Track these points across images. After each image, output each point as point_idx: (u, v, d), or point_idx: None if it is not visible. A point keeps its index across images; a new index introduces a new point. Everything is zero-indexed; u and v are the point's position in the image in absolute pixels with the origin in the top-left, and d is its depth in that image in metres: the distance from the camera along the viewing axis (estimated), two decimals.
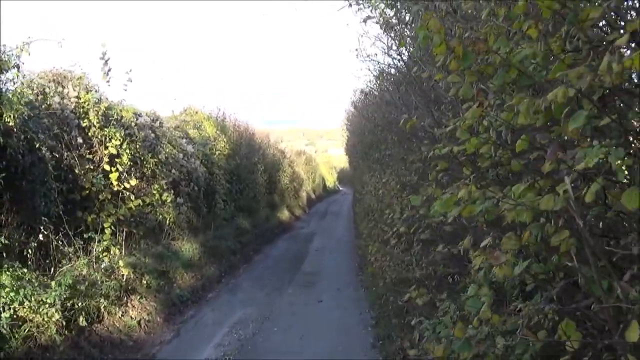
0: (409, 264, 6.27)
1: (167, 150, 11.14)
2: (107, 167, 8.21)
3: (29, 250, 6.45)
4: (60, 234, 7.07)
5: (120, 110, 8.79)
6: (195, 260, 11.15)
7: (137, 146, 9.49)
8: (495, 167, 3.26)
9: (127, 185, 8.49)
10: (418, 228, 5.20)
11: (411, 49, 5.48)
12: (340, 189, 54.16)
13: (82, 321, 6.31)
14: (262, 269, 12.48)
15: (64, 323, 5.96)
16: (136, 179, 9.52)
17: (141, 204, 9.02)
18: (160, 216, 10.65)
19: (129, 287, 7.92)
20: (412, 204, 4.29)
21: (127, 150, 8.58)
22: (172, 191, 11.08)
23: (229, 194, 15.57)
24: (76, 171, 7.75)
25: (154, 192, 9.86)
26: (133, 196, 8.70)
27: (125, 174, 8.72)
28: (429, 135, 5.42)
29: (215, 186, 14.25)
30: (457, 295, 4.76)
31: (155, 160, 10.13)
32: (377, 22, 5.87)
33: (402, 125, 3.15)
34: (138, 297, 8.00)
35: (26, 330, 5.47)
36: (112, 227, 8.04)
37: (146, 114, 10.96)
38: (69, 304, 6.27)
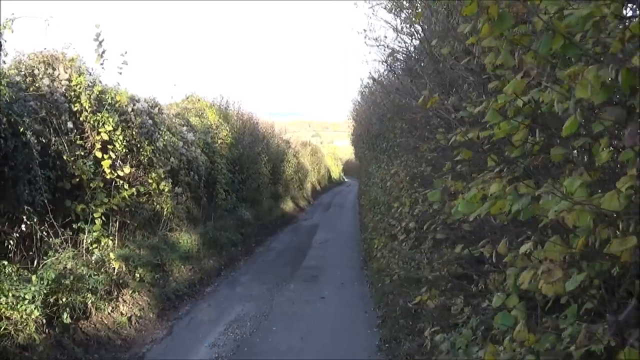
0: (419, 262, 5.79)
1: (166, 137, 10.67)
2: (98, 154, 7.75)
3: (11, 242, 6.02)
4: (46, 225, 6.63)
5: (115, 95, 8.31)
6: (193, 253, 10.72)
7: (134, 132, 9.02)
8: (528, 156, 2.77)
9: (121, 174, 8.03)
10: (432, 224, 4.71)
11: (426, 26, 4.97)
12: (346, 180, 53.72)
13: (66, 318, 5.88)
14: (264, 262, 12.04)
15: (45, 321, 5.53)
16: (132, 167, 9.09)
17: (135, 193, 8.55)
18: (158, 206, 10.25)
19: (121, 281, 7.50)
20: (430, 200, 3.81)
21: (121, 137, 8.11)
22: (171, 180, 10.64)
23: (231, 184, 15.12)
24: (65, 158, 7.29)
25: (151, 181, 9.41)
26: (127, 185, 8.24)
27: (119, 161, 8.27)
28: (444, 123, 4.92)
29: (217, 176, 13.81)
30: (473, 299, 4.29)
31: (153, 147, 9.66)
32: (384, 8, 5.40)
33: (420, 102, 2.65)
34: (130, 292, 7.57)
35: (2, 329, 5.04)
36: (103, 218, 7.58)
37: (145, 100, 10.49)
38: (52, 300, 5.84)
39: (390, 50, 6.27)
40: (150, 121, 9.91)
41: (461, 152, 3.01)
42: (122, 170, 8.04)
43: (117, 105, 8.36)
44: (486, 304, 3.45)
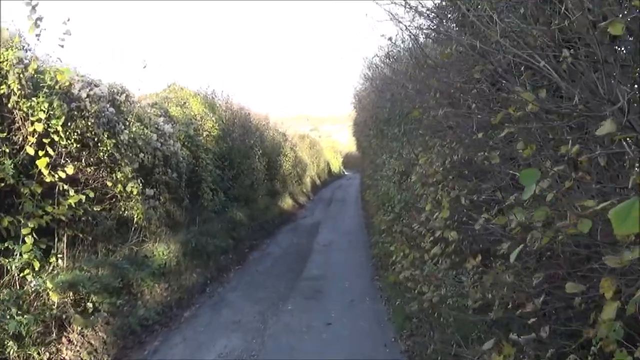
0: (470, 288, 4.01)
1: (134, 129, 8.89)
2: (30, 151, 5.96)
3: None
4: None
5: (54, 74, 6.51)
6: (171, 266, 8.95)
7: (89, 123, 7.24)
8: None
9: (63, 175, 6.24)
10: (498, 241, 2.95)
11: None
12: (346, 173, 52.02)
13: None
14: (258, 273, 10.27)
15: None
16: (89, 165, 7.35)
17: (87, 198, 6.76)
18: (127, 212, 8.50)
19: (64, 316, 5.73)
20: (537, 219, 2.07)
21: (59, 127, 6.31)
22: (142, 180, 8.87)
23: (220, 182, 13.33)
24: None
25: (111, 183, 7.63)
26: (72, 190, 6.44)
27: (63, 159, 6.49)
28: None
29: (202, 173, 12.03)
30: None
31: (115, 141, 7.87)
32: None
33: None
34: (79, 329, 5.81)
35: None
36: (35, 235, 5.79)
37: (109, 85, 8.71)
38: None
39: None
40: (111, 110, 8.11)
41: None
42: (64, 171, 6.24)
43: (57, 87, 6.55)
44: None
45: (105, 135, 7.62)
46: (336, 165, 51.61)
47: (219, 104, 15.33)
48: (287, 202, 21.70)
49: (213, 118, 13.45)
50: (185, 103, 13.38)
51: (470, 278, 4.33)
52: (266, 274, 10.10)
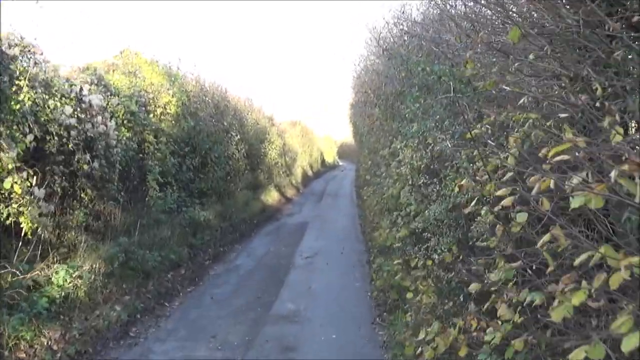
0: None
1: (26, 97, 6.02)
2: None
3: None
4: None
5: None
6: (77, 299, 6.12)
7: None
8: None
9: None
10: None
11: None
12: (340, 163, 49.19)
13: None
14: (212, 303, 7.41)
15: None
16: None
17: None
18: (9, 221, 5.70)
19: None
20: None
21: None
22: (38, 172, 6.05)
23: (177, 173, 10.45)
24: None
25: None
26: None
27: None
28: None
29: (148, 162, 9.14)
30: None
31: None
32: None
33: None
34: None
35: None
36: None
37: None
38: None
39: None
40: None
41: None
42: None
43: None
44: None
45: None
46: (330, 156, 48.79)
47: (185, 76, 12.40)
48: (271, 196, 18.85)
49: (170, 92, 10.50)
50: (136, 72, 10.48)
51: None
52: (222, 306, 7.25)
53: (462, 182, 3.16)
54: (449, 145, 4.76)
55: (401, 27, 7.02)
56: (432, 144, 4.79)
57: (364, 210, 14.64)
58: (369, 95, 10.25)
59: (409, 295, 4.89)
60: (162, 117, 10.11)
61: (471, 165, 3.39)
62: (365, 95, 11.02)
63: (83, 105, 7.55)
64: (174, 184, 9.96)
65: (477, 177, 3.12)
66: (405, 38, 6.69)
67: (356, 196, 20.81)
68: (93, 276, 6.65)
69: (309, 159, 34.78)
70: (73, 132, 6.94)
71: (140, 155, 8.93)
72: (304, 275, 8.86)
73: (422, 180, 5.16)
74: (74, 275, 6.24)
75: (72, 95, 7.34)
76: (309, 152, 34.81)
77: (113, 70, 10.19)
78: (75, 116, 7.07)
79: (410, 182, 5.62)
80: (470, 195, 3.39)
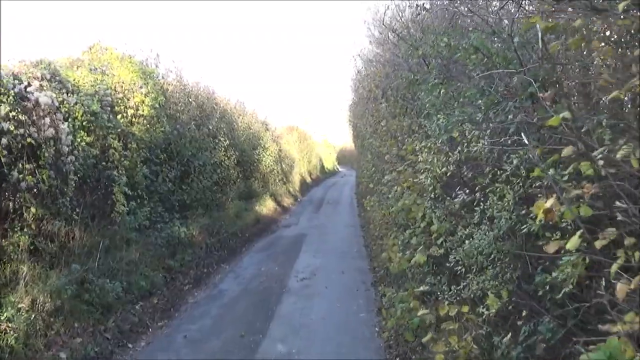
0: None
1: None
2: None
3: None
4: None
5: None
6: (8, 347, 4.76)
7: None
8: None
9: None
10: None
11: None
12: (340, 169, 47.86)
13: None
14: (181, 346, 6.03)
15: None
16: None
17: None
18: None
19: None
20: None
21: None
22: None
23: (152, 184, 9.09)
24: None
25: None
26: None
27: None
28: None
29: (112, 172, 7.77)
30: None
31: None
32: None
33: None
34: None
35: None
36: None
37: None
38: None
39: None
40: None
41: None
42: None
43: None
44: None
45: None
46: (330, 162, 47.46)
47: (164, 75, 11.08)
48: (267, 206, 17.49)
49: (143, 91, 9.15)
50: (105, 69, 9.14)
51: None
52: (196, 349, 5.88)
53: (548, 205, 1.81)
54: (486, 144, 3.43)
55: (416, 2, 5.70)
56: (466, 143, 3.48)
57: (367, 222, 13.30)
58: (372, 91, 8.89)
59: (437, 348, 3.54)
60: (133, 119, 8.77)
61: (556, 176, 2.05)
62: (368, 92, 9.65)
63: (27, 105, 6.23)
64: (146, 197, 8.58)
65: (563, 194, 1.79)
66: (422, 12, 5.36)
67: (357, 204, 19.46)
68: (34, 315, 5.32)
69: (308, 165, 33.44)
70: (4, 140, 5.60)
71: (104, 163, 7.58)
72: (299, 303, 7.47)
73: (446, 194, 3.83)
74: (1, 318, 4.89)
75: (13, 92, 6.03)
76: (307, 158, 33.47)
77: (78, 67, 8.88)
78: (12, 118, 5.74)
79: (432, 195, 4.28)
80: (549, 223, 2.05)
